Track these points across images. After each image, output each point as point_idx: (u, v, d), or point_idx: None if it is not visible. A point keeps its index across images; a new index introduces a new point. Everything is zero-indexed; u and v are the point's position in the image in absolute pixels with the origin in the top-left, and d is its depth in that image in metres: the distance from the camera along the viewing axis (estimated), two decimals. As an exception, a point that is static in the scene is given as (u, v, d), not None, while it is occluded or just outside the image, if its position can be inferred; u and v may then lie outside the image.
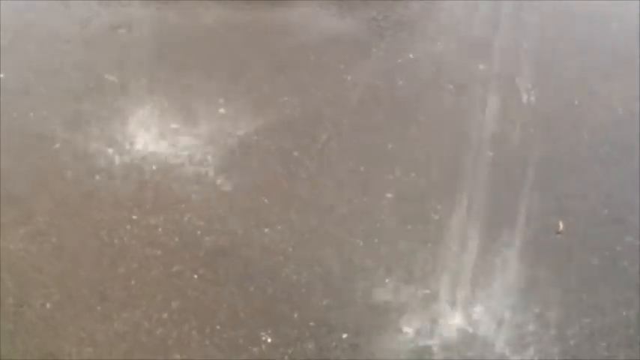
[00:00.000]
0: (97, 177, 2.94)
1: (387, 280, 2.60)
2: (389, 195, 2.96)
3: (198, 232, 2.73)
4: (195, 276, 2.56)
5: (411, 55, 3.81)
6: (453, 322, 2.47)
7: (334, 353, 2.35)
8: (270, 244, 2.70)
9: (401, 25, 4.09)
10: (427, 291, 2.58)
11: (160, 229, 2.73)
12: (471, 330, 2.45)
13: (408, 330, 2.43)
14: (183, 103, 3.37)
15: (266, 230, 2.76)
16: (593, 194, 3.04)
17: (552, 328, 2.47)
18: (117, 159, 3.03)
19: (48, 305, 2.42)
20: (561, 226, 2.87)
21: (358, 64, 3.72)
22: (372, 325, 2.44)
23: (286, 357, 2.33)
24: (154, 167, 3.00)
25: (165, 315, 2.42)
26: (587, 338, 2.45)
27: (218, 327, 2.39)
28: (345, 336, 2.40)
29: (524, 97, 3.58)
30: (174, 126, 3.23)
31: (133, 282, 2.52)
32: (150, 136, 3.16)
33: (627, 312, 2.54)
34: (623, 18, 4.29)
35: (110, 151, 3.07)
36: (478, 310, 2.51)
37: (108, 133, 3.16)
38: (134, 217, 2.77)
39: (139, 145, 3.11)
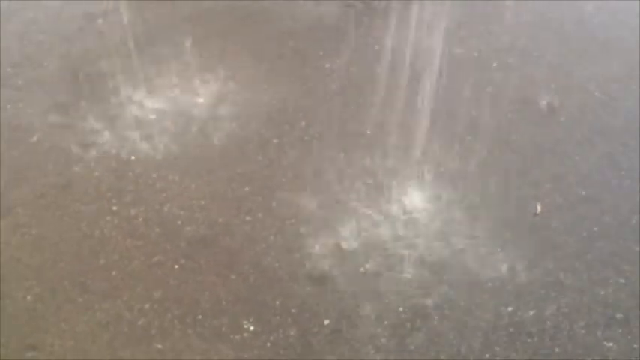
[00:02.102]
0: (76, 169, 2.93)
1: (367, 266, 2.62)
2: (369, 181, 2.97)
3: (179, 222, 2.73)
4: (177, 266, 2.57)
5: (388, 42, 3.82)
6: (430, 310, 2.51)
7: (316, 339, 2.37)
8: (252, 233, 2.71)
9: (378, 12, 4.10)
10: (407, 275, 2.60)
11: (140, 220, 2.73)
12: (447, 302, 2.48)
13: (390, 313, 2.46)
14: (161, 92, 3.36)
15: (247, 219, 2.77)
16: (571, 176, 3.07)
17: (531, 308, 2.51)
18: (96, 150, 3.02)
19: (29, 297, 2.42)
20: (538, 208, 2.90)
21: (336, 51, 3.73)
22: (354, 311, 2.46)
23: (269, 344, 2.34)
24: (132, 158, 3.00)
25: (147, 305, 2.42)
26: (566, 317, 2.48)
27: (200, 316, 2.41)
28: (326, 322, 2.42)
29: (502, 82, 3.60)
30: (152, 117, 3.22)
31: (114, 273, 2.53)
32: (128, 127, 3.15)
33: (605, 291, 2.58)
34: (601, 2, 4.31)
35: (89, 142, 3.06)
36: (447, 281, 2.55)
37: (86, 125, 3.15)
38: (114, 208, 2.77)
39: (118, 136, 3.10)
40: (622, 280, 2.63)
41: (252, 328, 2.38)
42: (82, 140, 3.06)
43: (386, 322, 2.43)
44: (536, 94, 3.54)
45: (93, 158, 2.98)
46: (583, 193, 3.00)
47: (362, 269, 2.60)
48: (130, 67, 3.51)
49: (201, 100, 3.34)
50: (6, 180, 2.86)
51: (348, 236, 2.72)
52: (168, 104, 3.29)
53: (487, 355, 2.36)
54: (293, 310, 2.45)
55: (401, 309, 2.48)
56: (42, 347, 2.28)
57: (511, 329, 2.44)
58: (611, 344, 2.41)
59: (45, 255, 2.58)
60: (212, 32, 3.84)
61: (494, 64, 3.72)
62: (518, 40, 3.92)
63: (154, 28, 3.84)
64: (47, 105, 3.25)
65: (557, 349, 2.39)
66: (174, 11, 3.99)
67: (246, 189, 2.90)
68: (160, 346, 2.30)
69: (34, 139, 3.06)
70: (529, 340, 2.42)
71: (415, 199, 2.90)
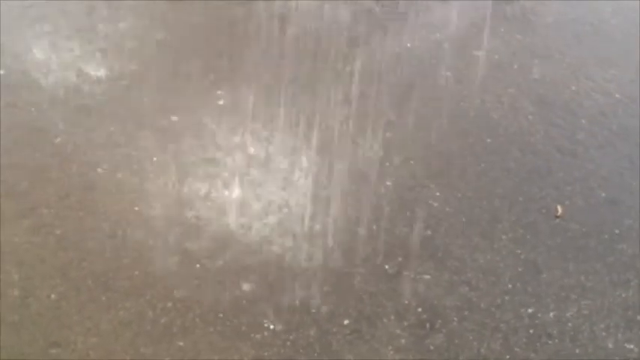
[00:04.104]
0: (99, 170, 2.96)
1: (386, 267, 2.63)
2: (388, 183, 2.98)
3: (201, 223, 2.76)
4: (198, 265, 2.59)
5: (408, 44, 3.83)
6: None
7: (336, 339, 2.38)
8: (272, 233, 2.73)
9: (398, 14, 4.11)
10: (427, 276, 2.61)
11: (162, 220, 2.76)
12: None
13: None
14: (183, 94, 3.39)
15: (267, 219, 2.79)
16: (592, 178, 3.06)
17: (552, 310, 2.50)
18: (118, 152, 3.06)
19: (53, 296, 2.45)
20: (560, 210, 2.89)
21: (356, 53, 3.74)
22: (373, 312, 2.47)
23: (288, 343, 2.36)
24: (154, 159, 3.03)
25: (169, 304, 2.45)
26: (586, 320, 2.47)
27: (221, 315, 2.42)
28: (346, 322, 2.43)
29: (522, 84, 3.60)
30: (174, 118, 3.25)
31: (136, 272, 2.55)
32: (149, 129, 3.18)
33: (625, 294, 2.57)
34: (619, 2, 4.30)
35: (111, 143, 3.09)
36: (467, 282, 2.55)
37: (109, 127, 3.19)
38: (136, 208, 2.80)
39: (140, 138, 3.13)
40: (643, 283, 2.62)
41: (272, 327, 2.40)
42: (105, 142, 3.10)
43: (405, 323, 2.44)
44: (556, 96, 3.53)
45: (116, 159, 3.01)
46: (604, 195, 2.99)
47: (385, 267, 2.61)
48: (151, 70, 3.54)
49: (221, 102, 3.37)
50: (30, 180, 2.90)
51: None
52: (188, 107, 3.32)
53: (507, 357, 2.36)
54: (313, 310, 2.46)
55: (420, 309, 2.48)
56: (65, 345, 2.31)
57: (531, 331, 2.44)
58: (632, 346, 2.40)
59: (68, 254, 2.61)
60: (232, 35, 3.86)
61: (515, 66, 3.72)
62: (538, 42, 3.91)
63: (176, 31, 3.87)
64: (70, 107, 3.29)
65: (577, 351, 2.38)
66: (195, 13, 4.02)
67: (268, 190, 2.91)
68: (181, 343, 2.32)
69: (58, 140, 3.10)
70: (549, 342, 2.41)
71: (434, 199, 2.91)
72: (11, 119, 3.20)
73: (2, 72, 3.49)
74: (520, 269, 2.64)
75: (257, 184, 2.94)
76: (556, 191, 2.98)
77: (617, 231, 2.82)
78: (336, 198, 2.89)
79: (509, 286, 2.58)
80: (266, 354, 2.32)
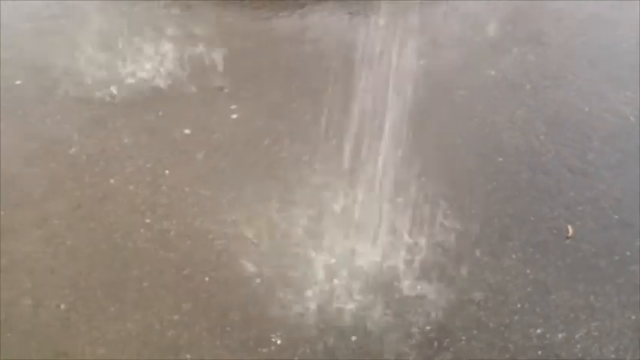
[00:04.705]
0: (112, 181, 2.99)
1: (395, 284, 2.62)
2: (399, 199, 2.98)
3: (210, 236, 2.77)
4: (207, 278, 2.60)
5: (421, 62, 3.84)
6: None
7: (343, 355, 2.37)
8: (282, 248, 2.73)
9: (411, 32, 4.13)
10: (436, 295, 2.60)
11: (172, 233, 2.77)
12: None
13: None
14: (196, 109, 3.42)
15: (277, 234, 2.79)
16: (603, 199, 3.05)
17: (561, 331, 2.48)
18: (131, 163, 3.08)
19: (63, 306, 2.47)
20: (570, 230, 2.88)
21: (369, 71, 3.75)
22: (381, 328, 2.46)
23: (295, 359, 2.35)
24: (166, 172, 3.05)
25: (176, 316, 2.45)
26: (596, 341, 2.45)
27: (228, 329, 2.43)
28: (354, 338, 2.43)
29: (534, 104, 3.60)
30: (186, 132, 3.28)
31: (145, 284, 2.56)
32: (163, 142, 3.21)
33: (635, 316, 2.55)
34: (633, 24, 4.30)
35: (124, 155, 3.12)
36: (476, 301, 2.53)
37: (122, 139, 3.22)
38: (147, 220, 2.82)
39: (152, 151, 3.16)
40: (654, 305, 2.60)
41: (279, 342, 2.40)
42: (118, 153, 3.13)
43: (413, 341, 2.43)
44: (568, 116, 3.53)
45: (128, 171, 3.04)
46: (616, 216, 2.97)
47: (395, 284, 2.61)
48: (165, 84, 3.58)
49: (234, 116, 3.39)
50: (43, 191, 2.93)
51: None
52: (201, 121, 3.34)
53: (515, 377, 2.35)
54: (321, 326, 2.45)
55: (428, 328, 2.47)
56: (73, 354, 2.32)
57: (540, 352, 2.42)
58: (641, 369, 2.38)
59: (79, 265, 2.63)
60: (246, 51, 3.90)
61: (527, 87, 3.73)
62: (551, 64, 3.92)
63: (192, 46, 3.91)
64: (85, 119, 3.33)
65: (586, 373, 2.37)
66: (211, 30, 4.06)
67: (276, 205, 2.92)
68: (188, 356, 2.32)
69: (72, 151, 3.13)
70: (558, 363, 2.40)
71: (445, 216, 2.90)
72: (27, 130, 3.24)
73: (19, 82, 3.54)
74: (529, 289, 2.63)
75: (268, 197, 2.95)
76: (567, 211, 2.97)
77: (628, 252, 2.80)
78: (345, 214, 2.90)
79: (518, 305, 2.57)
80: (273, 369, 2.32)
